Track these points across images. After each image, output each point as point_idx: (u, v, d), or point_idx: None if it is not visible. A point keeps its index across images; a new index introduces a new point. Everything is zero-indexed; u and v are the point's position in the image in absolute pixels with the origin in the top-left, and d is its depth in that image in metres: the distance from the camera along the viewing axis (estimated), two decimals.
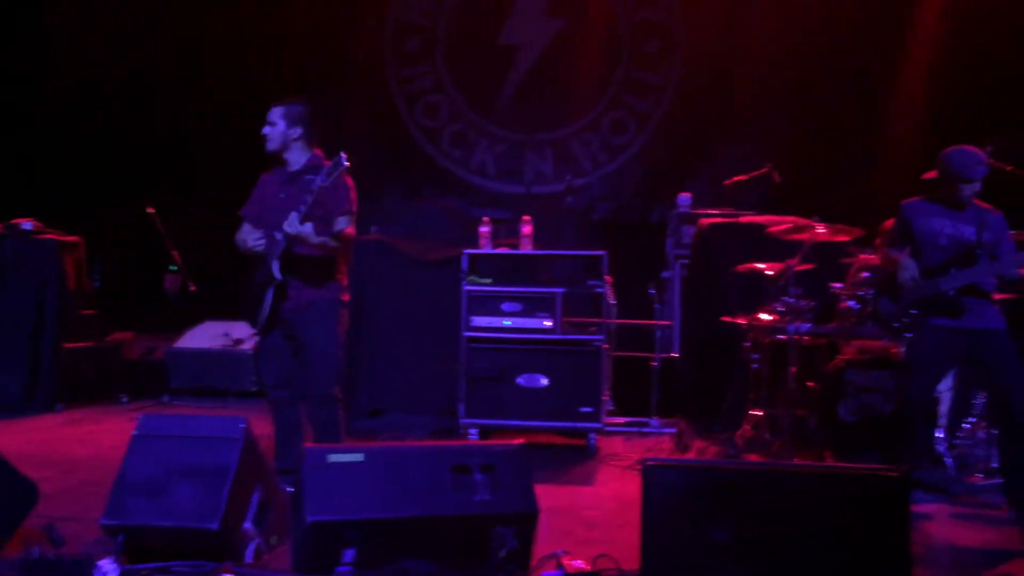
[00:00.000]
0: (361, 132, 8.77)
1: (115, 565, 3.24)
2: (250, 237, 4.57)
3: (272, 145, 4.58)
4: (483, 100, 9.15)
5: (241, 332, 7.60)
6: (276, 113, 4.58)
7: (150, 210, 7.53)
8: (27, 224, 7.22)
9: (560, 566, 3.41)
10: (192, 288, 7.58)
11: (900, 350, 4.96)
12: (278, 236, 4.38)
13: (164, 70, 9.03)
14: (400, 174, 9.05)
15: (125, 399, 7.31)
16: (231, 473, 3.45)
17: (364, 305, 6.52)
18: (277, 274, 4.40)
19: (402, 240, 6.97)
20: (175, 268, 7.64)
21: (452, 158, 9.20)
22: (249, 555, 3.43)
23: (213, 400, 7.39)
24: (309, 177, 4.48)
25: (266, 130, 4.58)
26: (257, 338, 4.69)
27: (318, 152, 4.63)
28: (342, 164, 4.24)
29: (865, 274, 5.50)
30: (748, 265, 5.82)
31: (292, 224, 4.25)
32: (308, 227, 4.28)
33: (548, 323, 5.88)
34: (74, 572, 3.20)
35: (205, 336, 7.75)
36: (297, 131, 4.57)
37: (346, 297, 4.64)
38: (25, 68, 8.96)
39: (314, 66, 8.90)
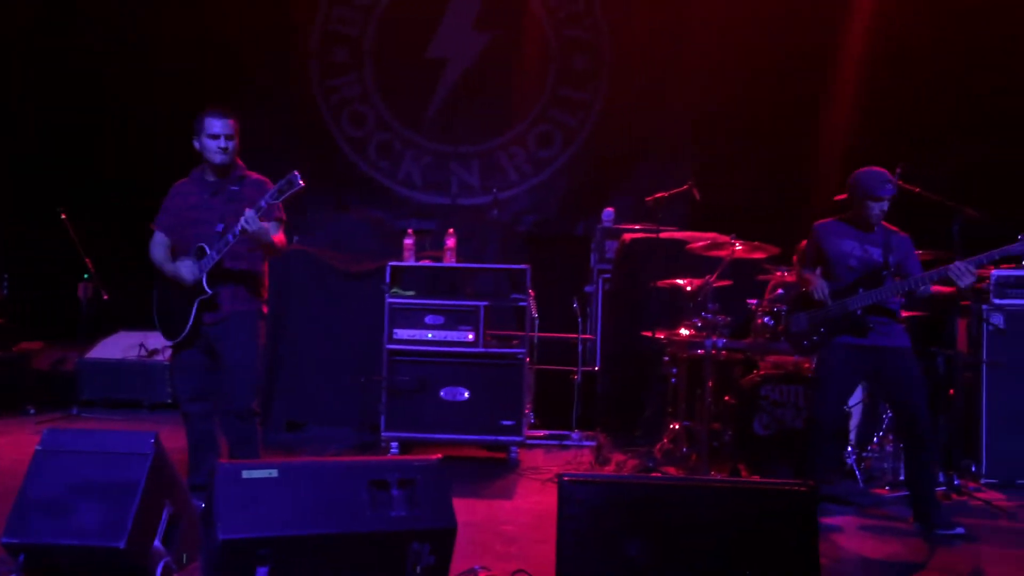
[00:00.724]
0: (286, 141, 8.65)
1: None
2: (182, 266, 4.42)
3: (229, 159, 4.44)
4: (410, 111, 9.14)
5: (156, 343, 7.41)
6: (231, 126, 4.43)
7: (62, 215, 7.31)
8: None
9: None
10: (105, 297, 7.36)
11: (811, 366, 5.09)
12: (210, 251, 4.30)
13: (76, 71, 8.78)
14: (325, 184, 8.95)
15: (32, 411, 7.06)
16: (139, 489, 3.36)
17: (285, 316, 6.43)
18: (207, 288, 4.31)
19: (325, 251, 6.89)
20: (88, 276, 7.42)
21: (378, 168, 9.15)
22: (158, 574, 3.34)
23: (126, 412, 7.20)
24: (234, 188, 4.41)
25: (218, 144, 4.40)
26: (173, 350, 4.58)
27: (239, 162, 4.56)
28: (296, 184, 4.10)
29: (780, 291, 5.64)
30: (668, 280, 5.91)
31: (252, 222, 4.12)
32: (266, 226, 4.22)
33: (471, 336, 5.88)
34: None
35: (119, 346, 7.55)
36: (237, 146, 4.49)
37: (265, 309, 4.58)
38: None
39: (237, 72, 8.76)
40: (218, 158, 4.43)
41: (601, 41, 8.99)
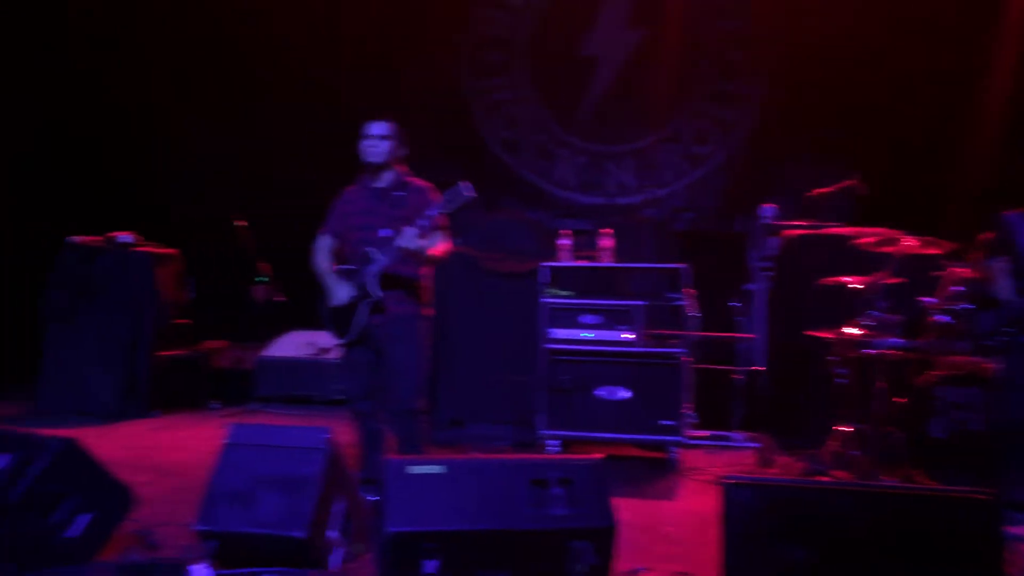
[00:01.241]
0: (440, 144, 8.89)
1: (208, 570, 3.36)
2: (338, 288, 4.61)
3: (378, 158, 4.60)
4: (564, 111, 9.19)
5: (327, 341, 7.76)
6: (384, 128, 4.61)
7: (240, 223, 7.79)
8: (125, 237, 7.52)
9: None
10: (279, 298, 7.80)
11: (993, 367, 4.80)
12: (378, 256, 4.46)
13: (252, 84, 9.30)
14: (478, 186, 9.10)
15: (216, 406, 7.55)
16: (316, 483, 3.54)
17: (444, 317, 6.60)
18: (376, 292, 4.48)
19: (481, 252, 7.03)
20: (263, 279, 7.87)
21: (533, 169, 9.25)
22: (334, 563, 3.51)
23: (299, 408, 7.57)
24: (399, 194, 4.57)
25: (370, 143, 4.59)
26: (343, 349, 4.78)
27: (401, 168, 4.71)
28: (464, 195, 4.23)
29: (957, 288, 5.33)
30: (833, 278, 5.70)
31: (411, 240, 4.30)
32: (423, 243, 4.36)
33: (628, 335, 5.86)
34: (168, 575, 3.32)
35: (291, 345, 7.95)
36: (401, 151, 4.65)
37: (429, 312, 4.72)
38: (125, 87, 9.34)
39: (392, 78, 9.07)
40: (369, 157, 4.61)
41: (760, 32, 8.76)
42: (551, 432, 5.92)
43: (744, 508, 3.06)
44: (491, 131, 9.34)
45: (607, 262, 6.22)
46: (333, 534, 3.56)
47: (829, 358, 5.71)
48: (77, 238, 7.40)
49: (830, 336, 5.66)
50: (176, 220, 8.64)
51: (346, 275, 4.62)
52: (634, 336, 5.85)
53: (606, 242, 6.24)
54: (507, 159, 9.29)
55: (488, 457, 3.81)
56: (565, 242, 6.30)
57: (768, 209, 7.27)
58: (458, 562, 3.28)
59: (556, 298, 6.02)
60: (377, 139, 4.60)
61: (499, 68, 9.35)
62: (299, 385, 7.74)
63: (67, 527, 3.55)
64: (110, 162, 9.16)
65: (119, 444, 6.06)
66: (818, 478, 5.18)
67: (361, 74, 9.10)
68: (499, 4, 9.30)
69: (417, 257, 4.45)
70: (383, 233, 4.53)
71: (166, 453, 5.89)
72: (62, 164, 9.03)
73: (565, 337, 5.95)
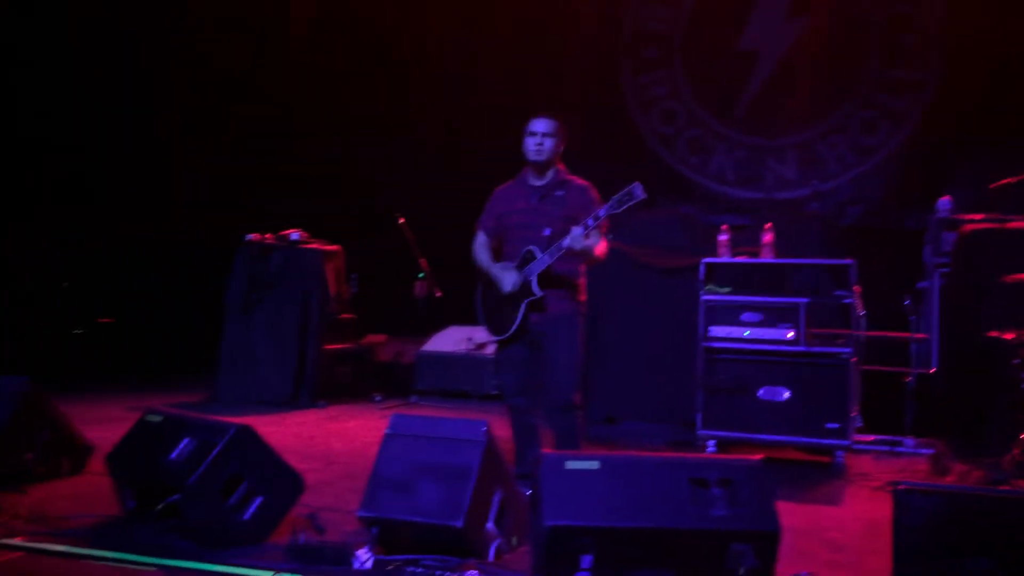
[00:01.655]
0: (594, 139, 8.86)
1: (371, 555, 3.47)
2: (505, 278, 4.62)
3: (542, 156, 4.59)
4: (722, 105, 8.99)
5: (483, 337, 7.89)
6: (548, 125, 4.59)
7: (400, 220, 8.02)
8: (295, 234, 7.89)
9: None
10: (438, 294, 7.98)
11: None
12: (540, 255, 4.47)
13: (408, 83, 9.55)
14: (632, 180, 9.02)
15: (378, 398, 7.80)
16: (474, 474, 3.59)
17: (600, 313, 6.56)
18: (536, 290, 4.49)
19: (637, 248, 6.95)
20: (423, 275, 8.08)
21: (688, 164, 9.10)
22: (491, 554, 3.55)
23: (457, 401, 7.72)
24: (559, 193, 4.57)
25: (535, 141, 4.58)
26: (499, 346, 4.82)
27: (561, 166, 4.71)
28: (637, 195, 4.18)
29: None
30: (1019, 275, 5.32)
31: (578, 240, 4.29)
32: (590, 242, 4.35)
33: (791, 334, 5.66)
34: (335, 558, 3.45)
35: (450, 340, 8.12)
36: (561, 147, 4.64)
37: (585, 309, 4.71)
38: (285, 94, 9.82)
39: (546, 74, 9.11)
40: (532, 156, 4.60)
41: (929, 15, 8.29)
42: (708, 432, 5.79)
43: (920, 516, 2.90)
44: (647, 126, 9.24)
45: (769, 258, 6.02)
46: (490, 525, 3.60)
47: (1013, 361, 5.33)
48: (253, 236, 7.80)
49: (1014, 337, 5.28)
50: (339, 217, 8.97)
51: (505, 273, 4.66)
52: (797, 335, 5.65)
53: (767, 237, 6.05)
54: (663, 154, 9.17)
55: (646, 454, 3.76)
56: (724, 237, 6.15)
57: (945, 202, 6.86)
58: (614, 558, 3.25)
59: (715, 295, 5.88)
60: (541, 136, 4.60)
61: (656, 63, 9.25)
62: (456, 380, 7.90)
63: (242, 509, 3.74)
64: (277, 163, 9.62)
65: (289, 432, 6.35)
66: (1000, 487, 4.84)
67: (517, 71, 9.19)
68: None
69: (583, 257, 4.44)
70: (545, 232, 4.53)
71: (332, 442, 6.13)
72: (231, 165, 9.57)
73: (724, 335, 5.80)
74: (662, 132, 9.21)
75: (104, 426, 5.70)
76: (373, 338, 8.42)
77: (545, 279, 4.51)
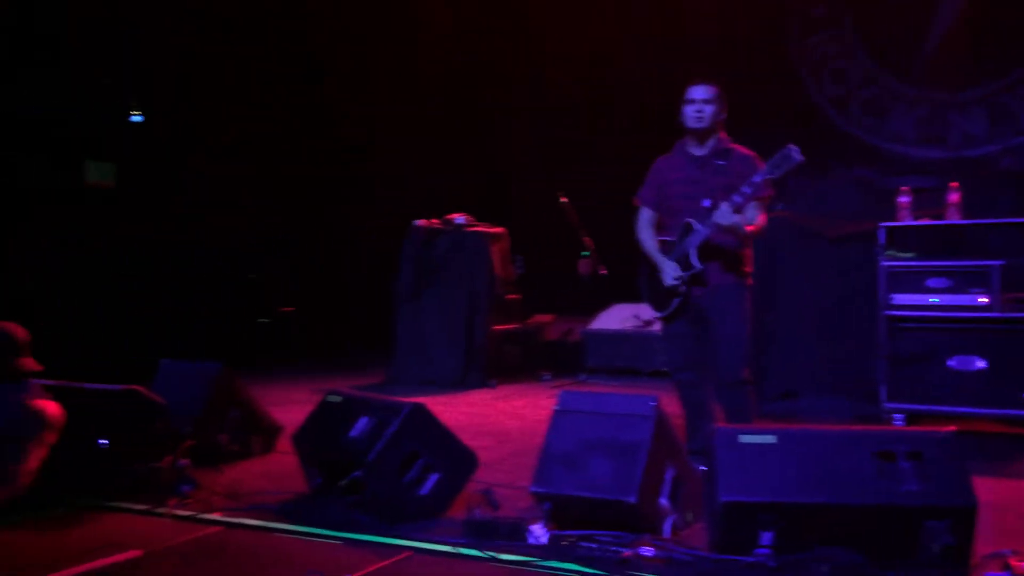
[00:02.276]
0: (759, 105, 8.54)
1: (545, 530, 3.48)
2: (665, 267, 4.51)
3: (702, 124, 4.43)
4: (898, 62, 8.48)
5: (649, 314, 7.74)
6: (708, 91, 4.43)
7: (563, 199, 8.02)
8: (460, 219, 8.03)
9: (1007, 567, 3.04)
10: (603, 272, 7.94)
11: None
12: (698, 227, 4.35)
13: (565, 62, 9.50)
14: (803, 146, 8.64)
15: (547, 377, 7.85)
16: (645, 449, 3.54)
17: (772, 285, 6.34)
18: (696, 264, 4.38)
19: (809, 216, 6.66)
20: (587, 253, 8.06)
21: (862, 125, 8.64)
22: (666, 530, 3.50)
23: (626, 379, 7.66)
24: (720, 163, 4.42)
25: (694, 108, 4.42)
26: (663, 321, 4.73)
27: (722, 134, 4.55)
28: (793, 158, 3.98)
29: None
30: None
31: (725, 216, 4.16)
32: (739, 218, 4.20)
33: (984, 299, 5.28)
34: (510, 533, 3.49)
35: (616, 318, 8.07)
36: (723, 115, 4.47)
37: (750, 281, 4.55)
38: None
39: (708, 39, 8.86)
40: (692, 123, 4.44)
41: None
42: (895, 405, 5.50)
43: None
44: (816, 88, 8.83)
45: (955, 219, 5.63)
46: (663, 501, 3.55)
47: None
48: (420, 222, 8.01)
49: None
50: (503, 198, 9.08)
51: (668, 247, 4.55)
52: (991, 300, 5.26)
53: (953, 197, 5.65)
54: (834, 116, 8.75)
55: (825, 427, 3.60)
56: (904, 200, 5.79)
57: None
58: (795, 534, 3.14)
59: (897, 261, 5.56)
60: (701, 103, 4.43)
61: (825, 22, 8.81)
62: (624, 357, 7.84)
63: (419, 485, 3.85)
64: (448, 149, 9.84)
65: (461, 411, 6.48)
66: None
67: (678, 35, 8.98)
68: None
69: (732, 233, 4.28)
70: (704, 203, 4.39)
71: (503, 420, 6.22)
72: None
73: (909, 303, 5.48)
74: (832, 93, 8.78)
75: (289, 408, 6.01)
76: (540, 318, 8.47)
77: (705, 252, 4.38)
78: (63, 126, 8.80)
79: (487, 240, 7.88)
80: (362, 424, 4.02)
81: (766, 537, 3.12)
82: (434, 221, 8.07)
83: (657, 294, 4.60)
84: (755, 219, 4.33)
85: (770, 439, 3.34)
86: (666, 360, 4.93)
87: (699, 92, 4.45)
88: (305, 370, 8.53)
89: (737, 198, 4.16)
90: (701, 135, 4.49)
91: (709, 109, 4.43)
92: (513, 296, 8.18)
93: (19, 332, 4.02)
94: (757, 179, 4.12)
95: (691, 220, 4.39)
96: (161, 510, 3.95)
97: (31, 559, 3.37)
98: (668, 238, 4.55)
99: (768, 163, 4.08)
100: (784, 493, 3.17)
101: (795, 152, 3.96)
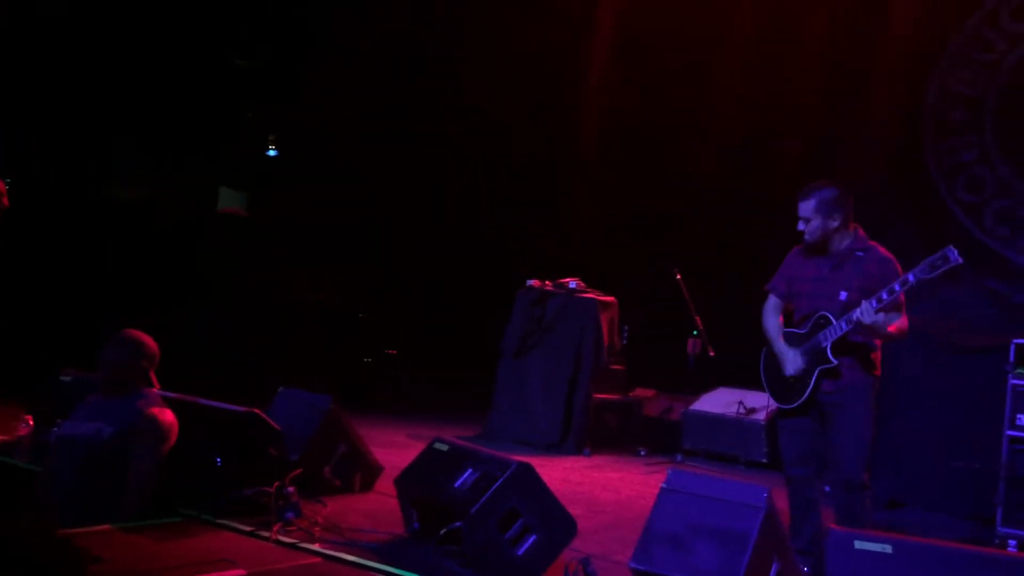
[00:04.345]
0: (891, 205, 8.39)
1: None
2: (786, 356, 4.47)
3: (812, 238, 4.42)
4: None
5: (754, 402, 7.65)
6: (807, 208, 4.38)
7: (677, 275, 7.99)
8: (572, 283, 8.08)
9: None
10: (711, 353, 7.85)
11: None
12: (836, 322, 4.27)
13: (698, 141, 9.54)
14: (932, 251, 8.43)
15: (643, 452, 7.75)
16: (752, 540, 3.46)
17: (891, 388, 6.12)
18: (831, 358, 4.29)
19: (936, 323, 6.46)
20: (696, 332, 7.98)
21: (995, 236, 8.37)
22: None
23: (722, 465, 7.50)
24: (857, 260, 4.34)
25: (800, 224, 4.42)
26: (779, 412, 4.62)
27: (859, 231, 4.47)
28: (952, 261, 3.89)
29: None
30: None
31: (868, 314, 4.07)
32: (881, 317, 4.12)
33: None
34: None
35: (720, 402, 7.93)
36: (835, 221, 4.37)
37: (878, 383, 4.43)
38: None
39: (833, 138, 8.78)
40: (805, 238, 4.43)
41: None
42: (1011, 531, 5.24)
43: None
44: (950, 193, 8.63)
45: None
46: None
47: None
48: (533, 281, 8.09)
49: None
50: (610, 268, 9.09)
51: (796, 339, 4.47)
52: None
53: None
54: (967, 223, 8.50)
55: (947, 544, 3.46)
56: None
57: None
58: None
59: None
60: (803, 220, 4.41)
61: (964, 127, 8.63)
62: (723, 442, 7.68)
63: (518, 544, 3.85)
64: (556, 212, 9.96)
65: (555, 475, 6.44)
66: None
67: (811, 132, 8.92)
68: (966, 61, 8.62)
69: (872, 332, 4.19)
70: (841, 296, 4.32)
71: (597, 491, 6.15)
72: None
73: None
74: (965, 200, 8.55)
75: (388, 449, 6.11)
76: (641, 391, 8.40)
77: (839, 347, 4.30)
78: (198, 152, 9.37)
79: (597, 307, 7.90)
80: (467, 475, 4.06)
81: None
82: (546, 282, 8.15)
83: (780, 384, 4.51)
84: (896, 320, 4.24)
85: (886, 548, 3.23)
86: (780, 452, 4.81)
87: (800, 208, 4.41)
88: (402, 413, 8.64)
89: (885, 295, 4.08)
90: (813, 248, 4.45)
91: (815, 223, 4.38)
92: (617, 366, 8.14)
93: (152, 344, 4.22)
94: (911, 278, 4.01)
95: (827, 314, 4.31)
96: (265, 533, 4.05)
97: (146, 563, 3.50)
98: (799, 330, 4.47)
99: (924, 262, 3.98)
100: None
101: (953, 254, 3.87)
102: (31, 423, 4.96)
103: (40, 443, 4.80)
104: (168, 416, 4.08)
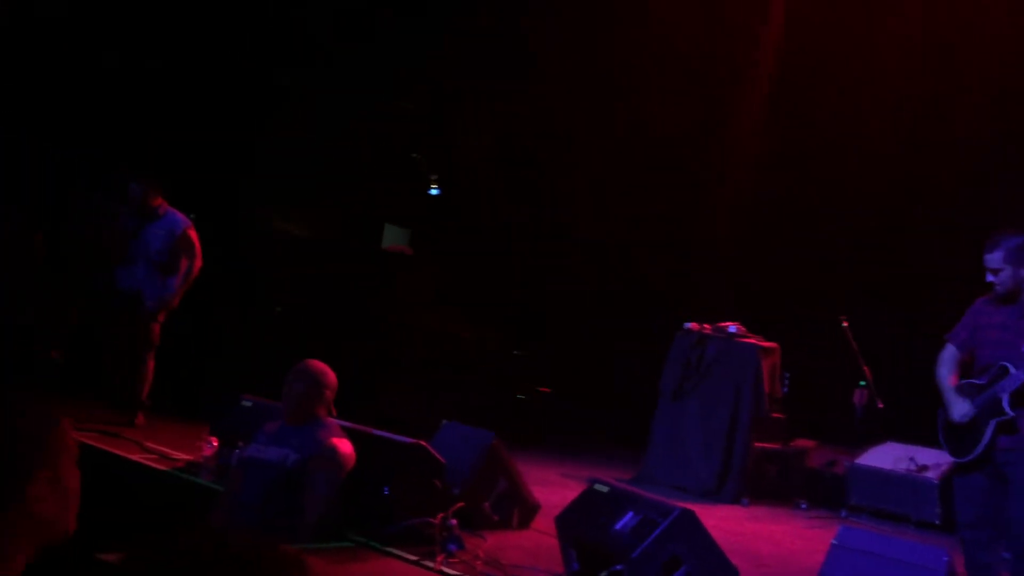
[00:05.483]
0: None
1: None
2: (954, 405, 4.29)
3: (1004, 289, 4.26)
4: None
5: (926, 459, 7.24)
6: (996, 260, 4.24)
7: (844, 323, 7.71)
8: (732, 327, 7.93)
9: None
10: (880, 405, 7.51)
11: None
12: (1015, 372, 4.07)
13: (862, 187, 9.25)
14: None
15: (803, 505, 7.47)
16: None
17: None
18: (1008, 409, 4.09)
19: None
20: (864, 383, 7.66)
21: None
22: None
23: (890, 524, 7.13)
24: None
25: (989, 276, 4.28)
26: (955, 468, 4.42)
27: None
28: None
29: None
30: None
31: None
32: None
33: None
34: None
35: (888, 456, 7.55)
36: None
37: None
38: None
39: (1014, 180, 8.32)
40: (996, 290, 4.25)
41: None
42: None
43: None
44: None
45: None
46: None
47: None
48: (691, 324, 7.99)
49: None
50: (777, 313, 8.87)
51: (973, 390, 4.26)
52: None
53: None
54: None
55: None
56: None
57: None
58: None
59: None
60: (991, 271, 4.25)
61: None
62: (892, 500, 7.29)
63: None
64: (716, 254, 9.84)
65: (711, 524, 6.17)
66: None
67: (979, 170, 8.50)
68: None
69: None
70: (1023, 348, 4.11)
71: (757, 543, 5.98)
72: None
73: None
74: None
75: (543, 487, 6.13)
76: (803, 442, 8.11)
77: (1019, 398, 4.06)
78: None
79: (758, 353, 7.71)
80: (628, 519, 4.04)
81: None
82: (706, 326, 8.03)
83: (956, 438, 4.31)
84: None
85: None
86: (954, 512, 4.57)
87: (987, 260, 4.26)
88: (553, 452, 8.64)
89: None
90: (1008, 297, 4.23)
91: (1005, 273, 4.22)
92: (777, 415, 7.90)
93: (332, 375, 4.43)
94: None
95: (1007, 364, 4.11)
96: (429, 563, 4.16)
97: None
98: (979, 381, 4.27)
99: None
100: None
101: None
102: (215, 444, 5.27)
103: (222, 465, 5.09)
104: (347, 446, 4.26)
